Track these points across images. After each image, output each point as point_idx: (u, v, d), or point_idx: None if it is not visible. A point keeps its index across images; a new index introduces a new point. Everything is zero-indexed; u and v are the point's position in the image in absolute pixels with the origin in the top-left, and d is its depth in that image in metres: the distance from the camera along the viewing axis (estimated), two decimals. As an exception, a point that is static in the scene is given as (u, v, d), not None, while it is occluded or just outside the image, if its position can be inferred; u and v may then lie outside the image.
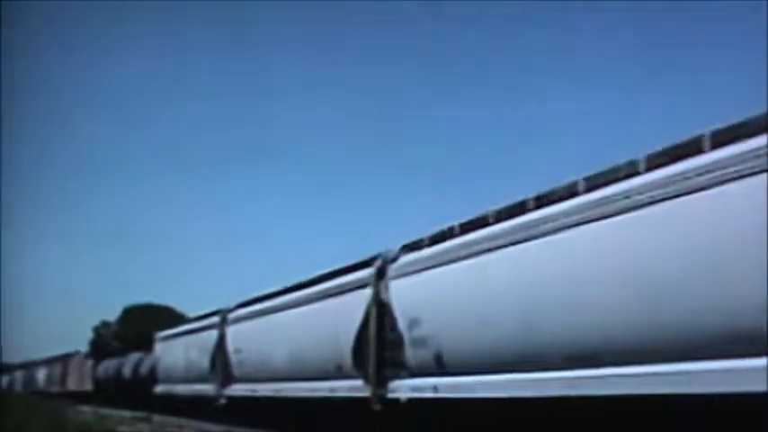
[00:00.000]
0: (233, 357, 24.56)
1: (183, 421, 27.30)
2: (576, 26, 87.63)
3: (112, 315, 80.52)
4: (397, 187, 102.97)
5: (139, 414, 29.80)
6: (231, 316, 25.46)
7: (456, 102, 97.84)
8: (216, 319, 26.47)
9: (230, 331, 25.13)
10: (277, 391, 20.72)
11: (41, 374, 63.93)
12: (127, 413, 30.89)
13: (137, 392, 34.63)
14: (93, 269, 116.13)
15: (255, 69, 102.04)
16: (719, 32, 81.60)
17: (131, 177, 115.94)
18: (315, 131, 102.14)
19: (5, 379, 77.73)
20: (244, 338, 23.94)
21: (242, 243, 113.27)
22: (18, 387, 73.45)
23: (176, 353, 29.64)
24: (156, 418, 28.90)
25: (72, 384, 51.30)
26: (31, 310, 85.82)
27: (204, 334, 27.11)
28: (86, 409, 33.24)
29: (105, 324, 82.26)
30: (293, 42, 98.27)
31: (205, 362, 26.56)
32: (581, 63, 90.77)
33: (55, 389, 56.47)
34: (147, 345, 41.33)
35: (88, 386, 47.33)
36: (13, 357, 70.08)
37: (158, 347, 32.67)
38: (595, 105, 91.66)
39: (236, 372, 24.38)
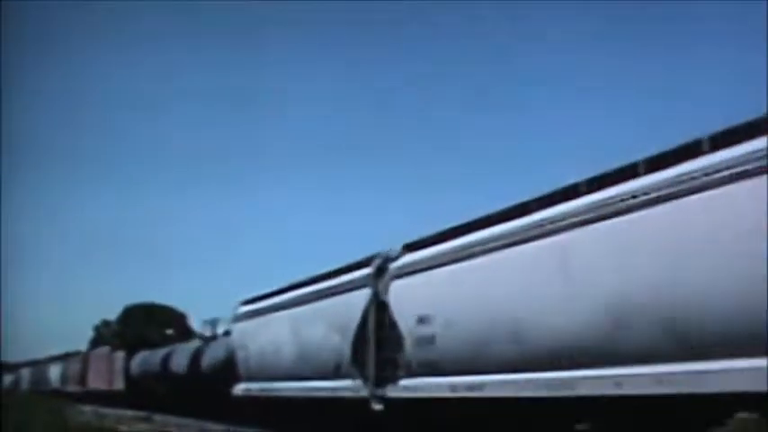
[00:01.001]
0: (407, 332, 14.01)
1: (190, 422, 24.51)
2: (574, 27, 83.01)
3: (113, 314, 77.01)
4: (398, 185, 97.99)
5: (140, 414, 28.28)
6: (399, 264, 14.82)
7: (454, 104, 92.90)
8: (365, 272, 15.63)
9: (398, 288, 14.57)
10: (570, 389, 10.36)
11: (54, 372, 55.71)
12: (128, 412, 29.87)
13: (197, 394, 24.55)
14: (93, 269, 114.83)
15: (255, 72, 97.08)
16: (719, 33, 77.55)
17: (133, 178, 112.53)
18: (314, 132, 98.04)
19: (10, 378, 70.84)
20: (435, 298, 13.39)
21: (243, 242, 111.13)
22: (25, 386, 65.97)
23: (275, 333, 18.86)
24: (158, 417, 26.72)
25: (95, 383, 40.75)
26: (32, 309, 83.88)
27: (339, 300, 16.45)
28: (87, 408, 32.42)
29: (106, 323, 79.14)
30: (294, 44, 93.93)
31: (341, 344, 16.04)
32: (581, 65, 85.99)
33: (72, 388, 46.81)
34: (147, 344, 36.50)
35: (118, 385, 36.40)
36: (13, 356, 67.08)
37: (239, 329, 21.58)
38: (594, 107, 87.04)
39: (413, 358, 13.79)
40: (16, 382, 69.99)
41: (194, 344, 28.35)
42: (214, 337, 27.35)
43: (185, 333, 48.28)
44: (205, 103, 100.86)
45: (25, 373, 69.78)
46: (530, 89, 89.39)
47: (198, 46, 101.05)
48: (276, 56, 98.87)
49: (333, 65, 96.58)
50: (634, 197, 9.29)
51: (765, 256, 7.36)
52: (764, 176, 7.53)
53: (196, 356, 25.92)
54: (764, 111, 7.55)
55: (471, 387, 12.46)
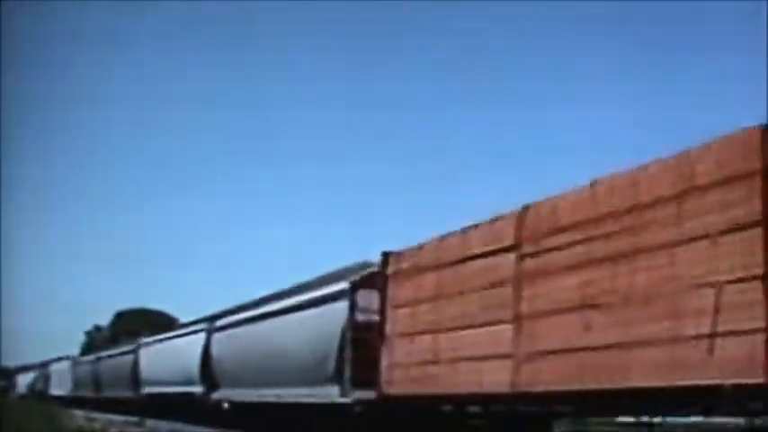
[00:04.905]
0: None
1: (179, 426, 23.62)
2: (575, 27, 78.59)
3: (104, 319, 72.13)
4: (394, 188, 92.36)
5: (131, 418, 27.41)
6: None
7: (454, 104, 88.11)
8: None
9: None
10: None
11: (164, 358, 26.77)
12: (118, 417, 28.44)
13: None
14: (85, 274, 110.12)
15: (242, 72, 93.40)
16: (719, 33, 74.18)
17: (125, 184, 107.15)
18: (307, 135, 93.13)
19: (26, 380, 58.10)
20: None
21: (234, 247, 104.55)
22: (59, 391, 45.95)
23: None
24: (149, 422, 25.57)
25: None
26: (23, 314, 78.40)
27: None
28: (78, 412, 30.17)
29: (98, 328, 73.81)
30: (290, 45, 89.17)
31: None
32: (580, 66, 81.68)
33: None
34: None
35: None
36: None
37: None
38: (594, 108, 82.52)
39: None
40: (35, 387, 53.62)
41: None
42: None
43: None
44: (197, 108, 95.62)
45: (58, 372, 49.10)
46: (528, 87, 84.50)
47: (193, 48, 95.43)
48: (265, 55, 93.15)
49: (326, 63, 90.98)
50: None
51: None
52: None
53: None
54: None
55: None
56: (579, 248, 9.02)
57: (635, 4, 72.87)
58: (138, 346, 30.62)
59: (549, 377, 9.23)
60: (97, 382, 38.61)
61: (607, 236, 8.67)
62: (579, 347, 8.81)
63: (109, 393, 35.96)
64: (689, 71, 76.41)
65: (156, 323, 47.76)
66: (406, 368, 12.06)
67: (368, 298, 13.67)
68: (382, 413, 13.04)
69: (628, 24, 77.99)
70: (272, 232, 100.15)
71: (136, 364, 30.35)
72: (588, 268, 8.85)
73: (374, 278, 13.50)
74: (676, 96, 78.39)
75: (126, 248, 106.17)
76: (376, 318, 13.25)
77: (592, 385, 8.62)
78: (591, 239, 8.90)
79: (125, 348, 33.66)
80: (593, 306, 8.68)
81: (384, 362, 12.66)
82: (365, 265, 14.14)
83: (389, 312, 12.81)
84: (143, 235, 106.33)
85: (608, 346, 8.46)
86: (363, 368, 13.29)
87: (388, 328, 12.77)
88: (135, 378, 30.26)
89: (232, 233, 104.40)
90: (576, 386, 8.86)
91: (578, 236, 9.06)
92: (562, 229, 9.31)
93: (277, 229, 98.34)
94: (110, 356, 36.77)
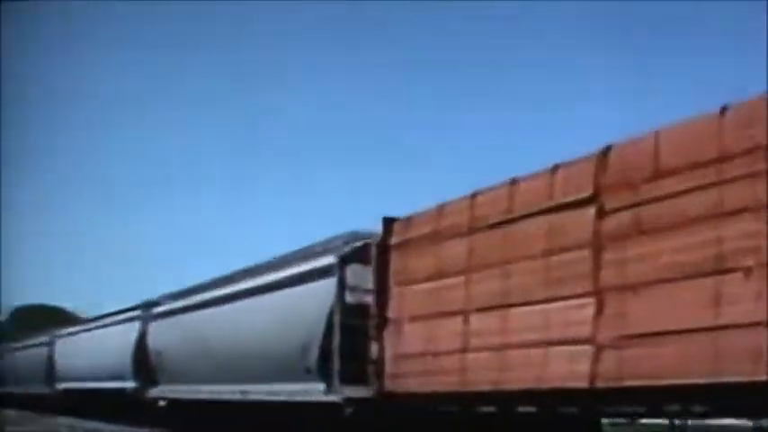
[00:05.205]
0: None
1: (77, 422, 22.64)
2: (572, 25, 77.54)
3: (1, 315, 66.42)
4: (394, 189, 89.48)
5: (28, 413, 26.64)
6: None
7: (454, 104, 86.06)
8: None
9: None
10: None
11: None
12: (12, 412, 27.44)
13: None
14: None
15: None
16: (719, 32, 74.41)
17: (125, 183, 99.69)
18: (306, 135, 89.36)
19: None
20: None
21: (139, 244, 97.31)
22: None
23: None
24: (48, 419, 24.69)
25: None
26: None
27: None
28: None
29: None
30: (289, 45, 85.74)
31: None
32: (577, 62, 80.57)
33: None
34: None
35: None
36: None
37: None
38: (594, 108, 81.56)
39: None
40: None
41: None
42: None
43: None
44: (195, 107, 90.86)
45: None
46: (528, 86, 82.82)
47: (185, 48, 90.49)
48: (265, 55, 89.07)
49: (326, 63, 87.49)
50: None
51: None
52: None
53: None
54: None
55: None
56: (698, 197, 6.82)
57: (635, 3, 71.66)
58: (54, 338, 27.76)
59: (649, 367, 7.02)
60: (0, 377, 35.49)
61: (745, 177, 6.48)
62: (703, 327, 6.60)
63: (16, 389, 32.84)
64: (689, 71, 75.94)
65: (59, 319, 44.17)
66: (421, 359, 9.72)
67: (359, 275, 11.19)
68: (380, 415, 10.66)
69: (628, 24, 76.81)
70: (267, 232, 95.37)
71: (50, 357, 27.67)
72: (713, 222, 6.65)
73: (368, 250, 11.05)
74: (676, 96, 77.85)
75: (23, 243, 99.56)
76: (369, 298, 10.90)
77: (725, 377, 6.41)
78: (716, 184, 6.70)
79: (38, 340, 30.41)
80: (726, 272, 6.49)
81: (388, 352, 10.27)
82: (355, 236, 11.65)
83: (394, 291, 10.41)
84: (41, 229, 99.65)
85: (752, 325, 6.27)
86: (355, 360, 10.84)
87: (393, 311, 10.39)
88: (50, 372, 27.50)
89: (135, 231, 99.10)
90: (695, 378, 6.64)
91: (695, 181, 6.85)
92: (667, 174, 7.10)
93: (273, 229, 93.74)
94: (17, 349, 33.44)
